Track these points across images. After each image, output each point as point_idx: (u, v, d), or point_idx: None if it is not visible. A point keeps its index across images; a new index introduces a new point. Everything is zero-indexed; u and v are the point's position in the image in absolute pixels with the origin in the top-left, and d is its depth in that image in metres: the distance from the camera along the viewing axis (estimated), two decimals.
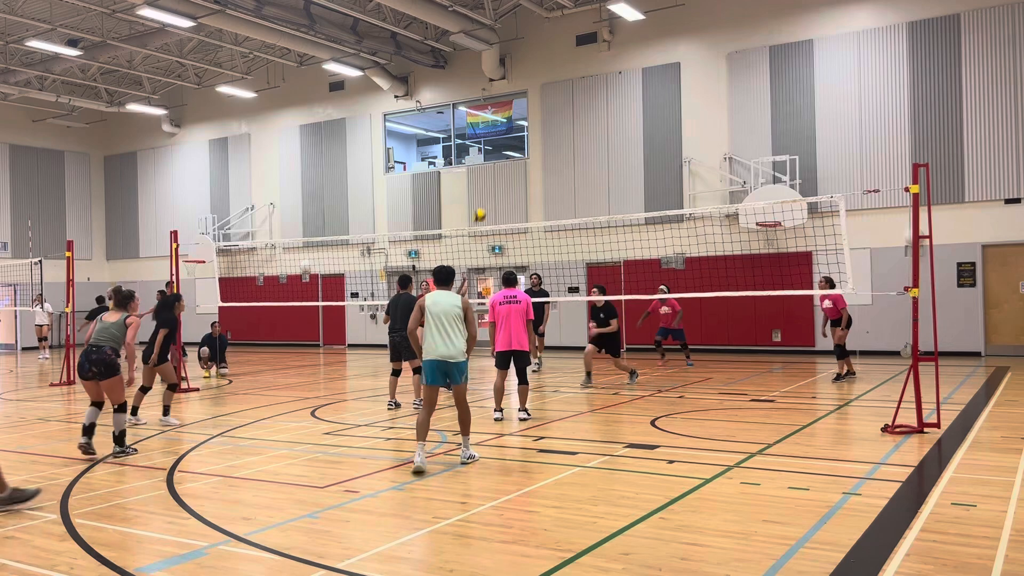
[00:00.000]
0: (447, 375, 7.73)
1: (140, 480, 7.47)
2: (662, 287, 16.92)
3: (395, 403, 11.85)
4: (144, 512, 6.38)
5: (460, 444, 8.11)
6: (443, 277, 8.18)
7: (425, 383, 7.80)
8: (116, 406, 8.69)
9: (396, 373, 12.11)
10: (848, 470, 7.25)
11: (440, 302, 7.83)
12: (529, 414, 10.49)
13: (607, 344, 13.49)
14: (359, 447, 8.92)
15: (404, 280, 12.31)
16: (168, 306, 11.72)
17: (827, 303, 13.88)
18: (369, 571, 4.87)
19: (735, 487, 6.69)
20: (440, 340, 7.70)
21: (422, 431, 7.66)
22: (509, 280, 10.86)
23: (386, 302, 16.23)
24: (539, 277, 16.86)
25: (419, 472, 7.40)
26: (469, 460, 7.80)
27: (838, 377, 13.98)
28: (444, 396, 11.53)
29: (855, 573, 4.70)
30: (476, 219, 14.05)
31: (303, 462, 8.18)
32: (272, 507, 6.46)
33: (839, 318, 13.67)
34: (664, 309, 16.90)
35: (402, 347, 11.75)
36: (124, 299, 9.04)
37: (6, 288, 28.34)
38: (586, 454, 8.18)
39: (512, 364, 10.43)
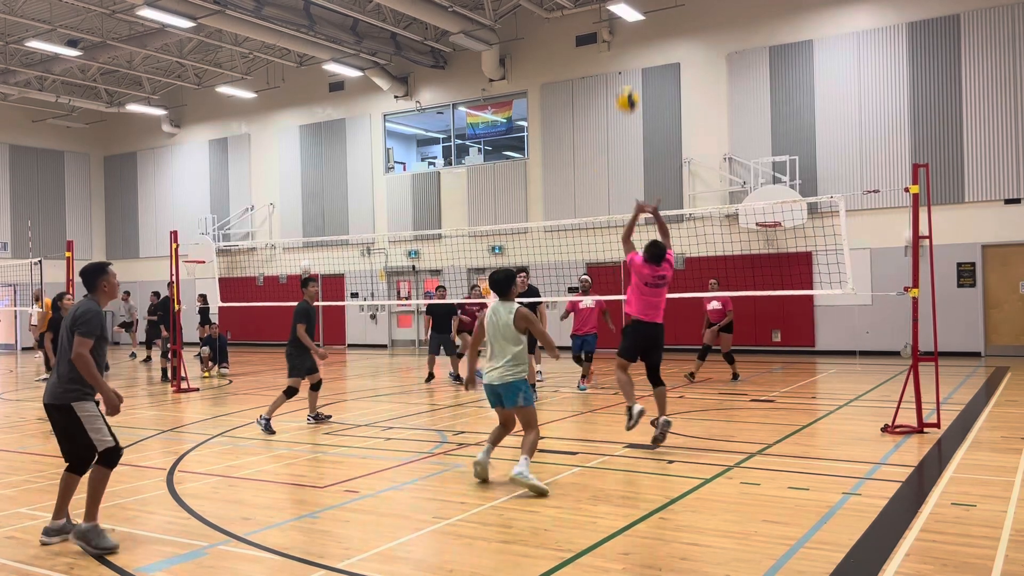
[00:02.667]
0: (500, 398, 6.96)
1: (140, 480, 7.47)
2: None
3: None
4: (144, 512, 6.37)
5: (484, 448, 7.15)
6: (498, 286, 7.03)
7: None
8: None
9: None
10: (848, 470, 7.25)
11: (493, 318, 6.96)
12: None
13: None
14: (359, 447, 8.91)
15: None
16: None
17: (715, 304, 14.05)
18: (369, 571, 4.87)
19: (735, 487, 6.69)
20: (489, 362, 6.95)
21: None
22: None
23: (386, 302, 16.18)
24: (527, 274, 14.50)
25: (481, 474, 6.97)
26: (518, 476, 6.58)
27: (735, 377, 14.14)
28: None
29: (855, 573, 4.69)
30: (628, 104, 12.55)
31: (303, 462, 8.17)
32: (272, 507, 6.46)
33: (723, 322, 13.95)
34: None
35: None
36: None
37: (6, 288, 28.34)
38: (586, 454, 8.18)
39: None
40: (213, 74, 27.47)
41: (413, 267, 24.76)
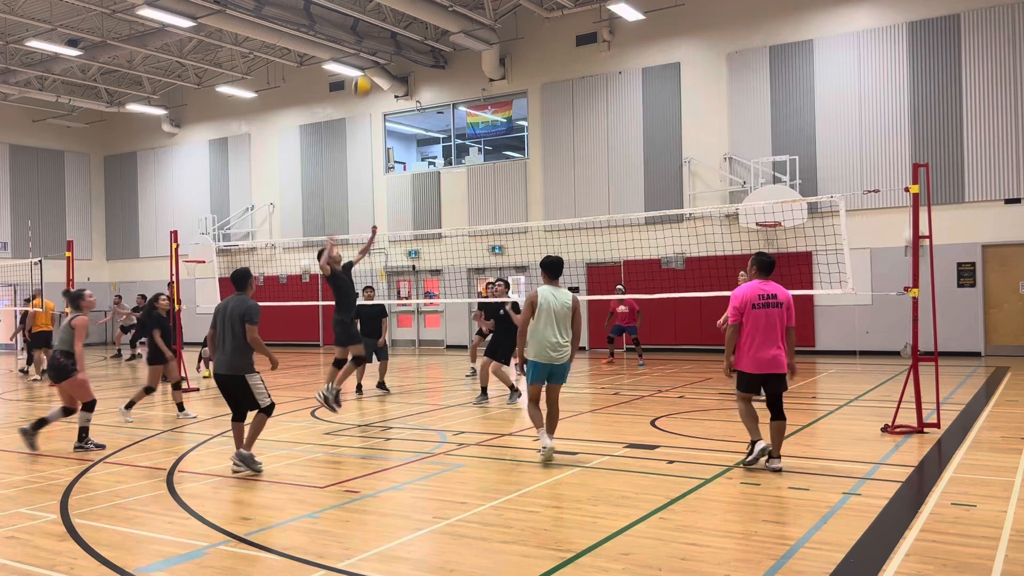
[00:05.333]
0: (552, 376, 7.75)
1: (140, 480, 7.47)
2: (619, 287, 18.01)
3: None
4: (144, 512, 6.37)
5: (536, 438, 8.11)
6: (555, 270, 7.82)
7: (529, 382, 7.81)
8: (82, 404, 8.98)
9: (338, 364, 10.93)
10: (848, 470, 7.25)
11: (552, 300, 7.65)
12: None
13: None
14: (359, 447, 8.92)
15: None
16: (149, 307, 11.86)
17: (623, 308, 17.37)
18: (369, 571, 4.87)
19: (735, 487, 6.69)
20: (551, 341, 7.61)
21: (537, 420, 7.85)
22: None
23: (386, 302, 16.15)
24: (505, 284, 14.23)
25: (549, 458, 7.68)
26: (543, 451, 7.67)
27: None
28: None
29: (855, 573, 4.69)
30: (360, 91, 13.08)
31: (303, 462, 8.17)
32: (272, 507, 6.46)
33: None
34: (621, 308, 17.74)
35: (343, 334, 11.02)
36: (73, 298, 9.31)
37: (6, 288, 28.33)
38: (586, 454, 8.18)
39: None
40: (213, 74, 27.46)
41: (413, 267, 24.76)
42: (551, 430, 7.86)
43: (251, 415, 7.76)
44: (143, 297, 20.85)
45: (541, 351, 7.62)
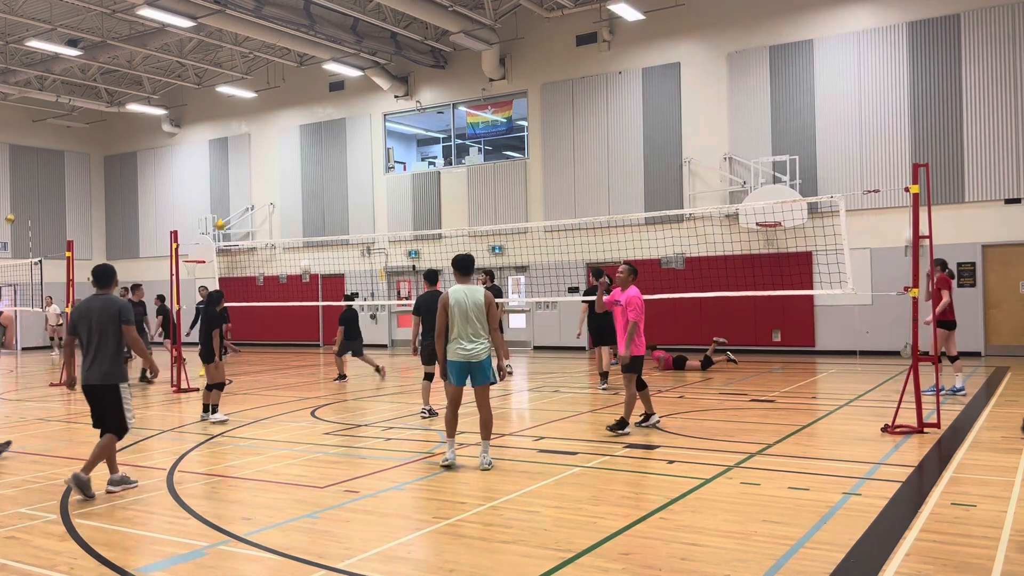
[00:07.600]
0: (470, 374, 7.53)
1: (140, 480, 7.47)
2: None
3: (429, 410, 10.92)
4: (144, 512, 6.38)
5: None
6: (466, 267, 7.68)
7: (451, 383, 7.60)
8: None
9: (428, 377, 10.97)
10: (848, 470, 7.25)
11: (462, 299, 7.47)
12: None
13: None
14: (359, 447, 8.92)
15: (431, 275, 10.92)
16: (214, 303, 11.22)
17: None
18: (369, 571, 4.87)
19: (735, 487, 6.69)
20: (465, 338, 7.46)
21: (450, 428, 7.71)
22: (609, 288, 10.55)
23: (386, 302, 16.15)
24: (487, 274, 15.22)
25: (449, 467, 7.53)
26: (488, 467, 7.45)
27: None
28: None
29: (855, 573, 4.70)
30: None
31: (303, 462, 8.17)
32: (272, 507, 6.46)
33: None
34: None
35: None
36: None
37: (6, 288, 28.33)
38: (586, 454, 8.18)
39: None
40: (213, 74, 27.46)
41: (413, 267, 24.75)
42: (485, 436, 7.56)
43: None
44: (160, 299, 20.50)
45: (457, 349, 7.47)
